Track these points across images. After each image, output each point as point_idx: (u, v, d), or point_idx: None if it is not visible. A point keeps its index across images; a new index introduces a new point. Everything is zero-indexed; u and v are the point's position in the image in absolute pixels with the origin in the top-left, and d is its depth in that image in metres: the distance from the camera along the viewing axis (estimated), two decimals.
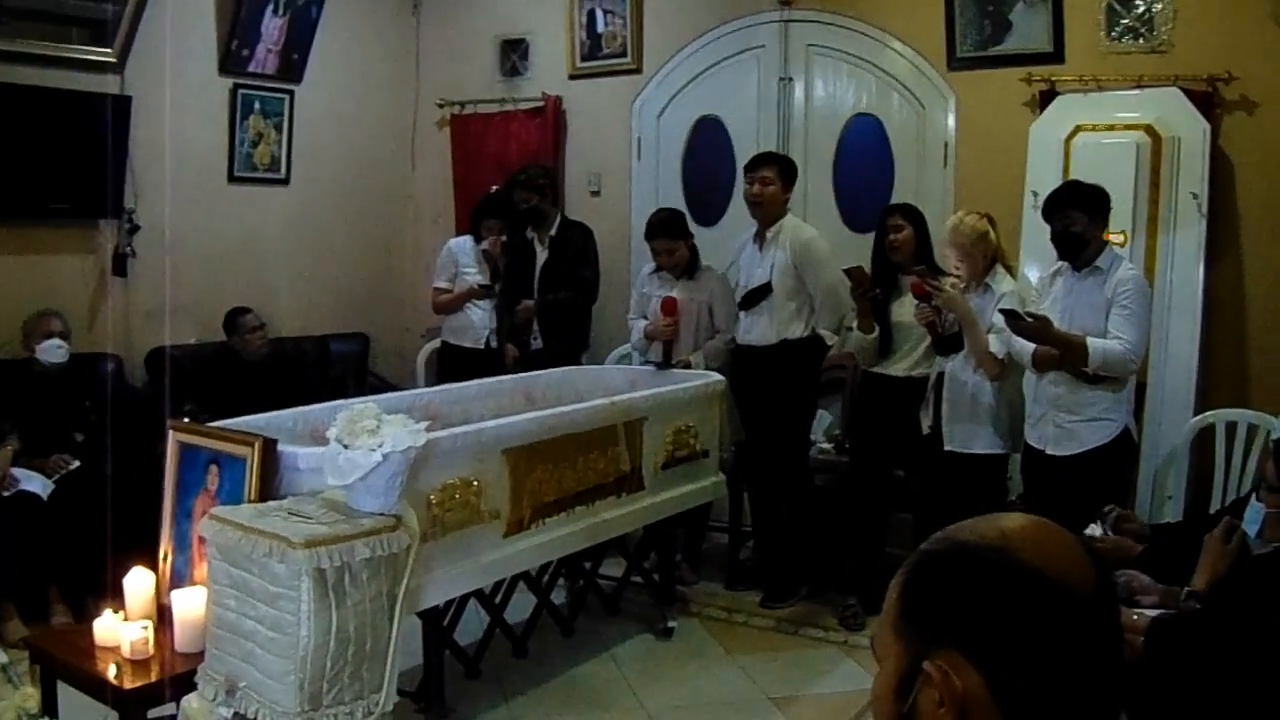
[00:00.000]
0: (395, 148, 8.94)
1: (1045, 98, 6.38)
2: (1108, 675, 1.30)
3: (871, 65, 7.13)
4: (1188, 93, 5.93)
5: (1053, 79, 6.39)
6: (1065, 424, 5.12)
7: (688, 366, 6.38)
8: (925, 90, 6.94)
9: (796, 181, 6.43)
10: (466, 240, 7.52)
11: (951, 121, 6.87)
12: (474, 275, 7.40)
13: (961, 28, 6.73)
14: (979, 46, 6.71)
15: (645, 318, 6.64)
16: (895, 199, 6.72)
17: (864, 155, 7.26)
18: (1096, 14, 6.35)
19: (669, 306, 6.46)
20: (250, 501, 4.02)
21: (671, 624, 5.92)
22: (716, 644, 5.81)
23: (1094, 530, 4.16)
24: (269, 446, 4.12)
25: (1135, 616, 3.07)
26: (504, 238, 7.32)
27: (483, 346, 7.38)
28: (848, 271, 5.86)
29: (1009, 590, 1.28)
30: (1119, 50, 6.28)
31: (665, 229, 6.56)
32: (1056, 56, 6.45)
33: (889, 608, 1.37)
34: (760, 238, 6.34)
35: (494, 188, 7.74)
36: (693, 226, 6.78)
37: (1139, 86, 6.08)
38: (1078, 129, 6.08)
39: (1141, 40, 6.23)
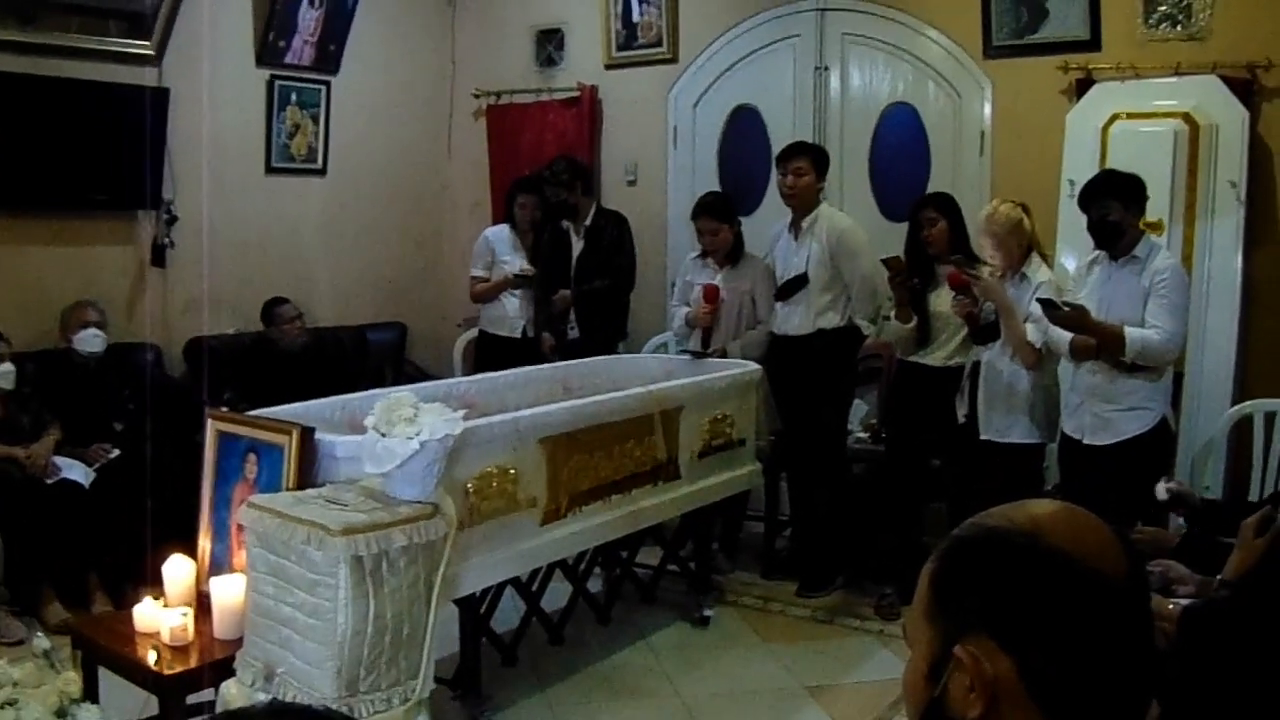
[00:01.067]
0: (431, 138, 8.94)
1: (1082, 86, 6.34)
2: (1139, 662, 1.30)
3: (907, 54, 7.10)
4: (1226, 80, 5.88)
5: (1089, 67, 6.34)
6: (1103, 413, 5.09)
7: (724, 356, 6.36)
8: (961, 79, 6.91)
9: (830, 170, 6.40)
10: (503, 229, 7.57)
11: (988, 110, 6.84)
12: (511, 264, 7.40)
13: (998, 15, 6.69)
14: (1015, 34, 6.67)
15: (688, 305, 6.63)
16: (931, 188, 6.73)
17: (900, 144, 7.23)
18: (1134, 1, 6.29)
19: (710, 293, 6.44)
20: (288, 489, 4.02)
21: (708, 612, 5.92)
22: (752, 633, 5.82)
23: (1165, 487, 4.11)
24: (307, 435, 4.13)
25: (1171, 606, 3.04)
26: (538, 210, 7.38)
27: (519, 336, 7.40)
28: (885, 262, 5.84)
29: (1040, 576, 1.28)
30: (1157, 38, 6.23)
31: (709, 209, 6.55)
32: (1093, 44, 6.40)
33: (921, 593, 1.38)
34: (796, 227, 6.33)
35: (528, 172, 7.73)
36: None
37: (1177, 74, 6.03)
38: (1115, 117, 6.04)
39: (1179, 27, 6.17)
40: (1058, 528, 1.31)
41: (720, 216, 6.52)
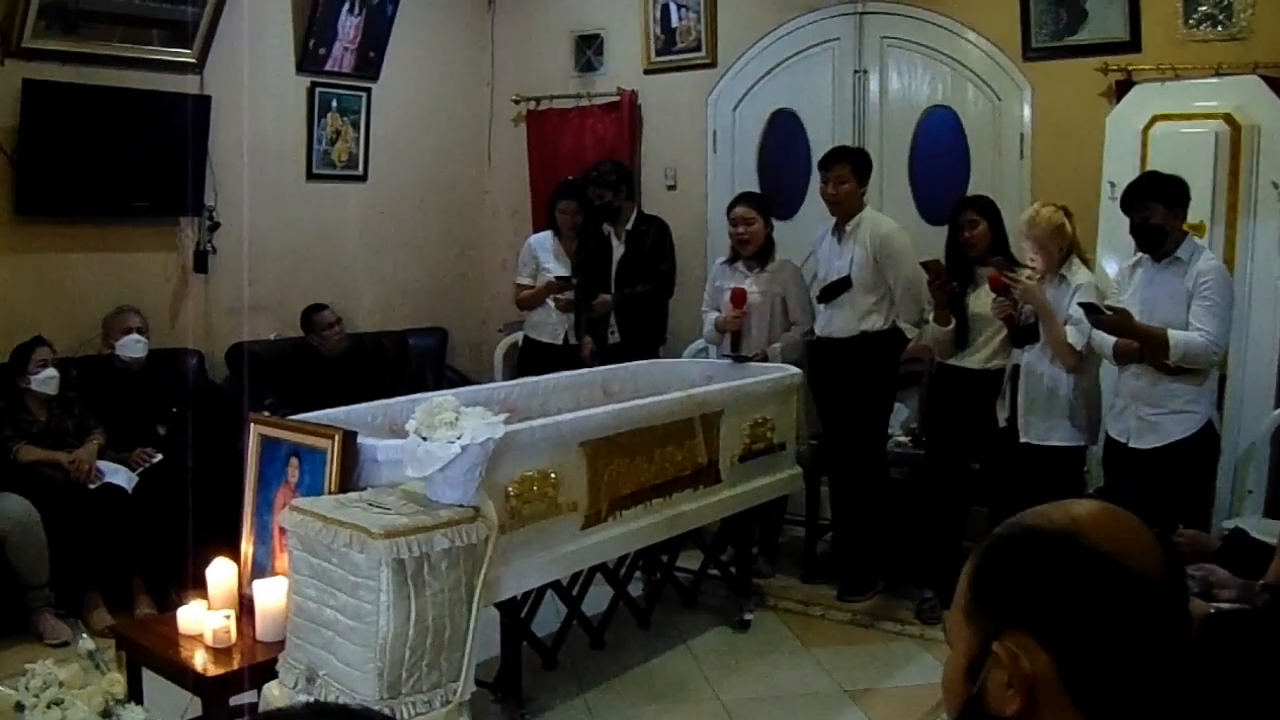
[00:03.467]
0: (471, 144, 8.94)
1: (1122, 87, 6.29)
2: (1175, 661, 1.31)
3: (946, 57, 7.06)
4: (1268, 80, 5.80)
5: (1129, 68, 6.29)
6: (1147, 416, 5.06)
7: (765, 360, 6.34)
8: (1001, 81, 6.87)
9: (872, 174, 6.32)
10: (546, 236, 7.51)
11: (1027, 112, 6.80)
12: (554, 271, 7.34)
13: (1037, 17, 6.64)
14: (1055, 36, 6.62)
15: (718, 310, 6.58)
16: (971, 191, 6.70)
17: (940, 147, 7.19)
18: (1174, 1, 6.22)
19: (738, 297, 6.41)
20: (330, 493, 4.03)
21: (748, 616, 5.91)
22: (793, 637, 5.80)
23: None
24: (349, 439, 4.14)
25: (1213, 609, 3.03)
26: (579, 214, 7.32)
27: (561, 342, 7.36)
28: (925, 264, 5.79)
29: (1078, 573, 1.29)
30: (1197, 38, 6.16)
31: (748, 197, 6.63)
32: (1133, 45, 6.34)
33: (960, 592, 1.39)
34: (839, 230, 6.28)
35: (569, 178, 7.71)
36: None
37: (1217, 74, 5.96)
38: (1155, 119, 5.96)
39: (1220, 27, 6.11)
40: (1097, 527, 1.32)
41: (758, 207, 6.53)
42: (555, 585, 5.11)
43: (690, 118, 8.05)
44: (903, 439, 6.66)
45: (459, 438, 3.72)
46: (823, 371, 6.32)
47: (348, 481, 4.11)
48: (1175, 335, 4.88)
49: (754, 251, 6.52)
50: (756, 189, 7.44)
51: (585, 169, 7.54)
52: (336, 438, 4.13)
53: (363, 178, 8.17)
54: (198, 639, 4.02)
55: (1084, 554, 1.29)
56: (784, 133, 7.77)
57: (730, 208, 6.59)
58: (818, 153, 6.70)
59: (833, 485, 6.52)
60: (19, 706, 3.30)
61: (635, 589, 5.98)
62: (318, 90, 7.72)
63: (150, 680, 4.11)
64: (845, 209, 6.21)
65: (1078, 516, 1.33)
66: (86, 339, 6.47)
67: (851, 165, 6.20)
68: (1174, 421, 5.00)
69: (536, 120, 8.64)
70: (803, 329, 6.50)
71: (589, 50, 8.43)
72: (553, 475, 4.42)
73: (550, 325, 7.39)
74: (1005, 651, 1.29)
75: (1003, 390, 5.69)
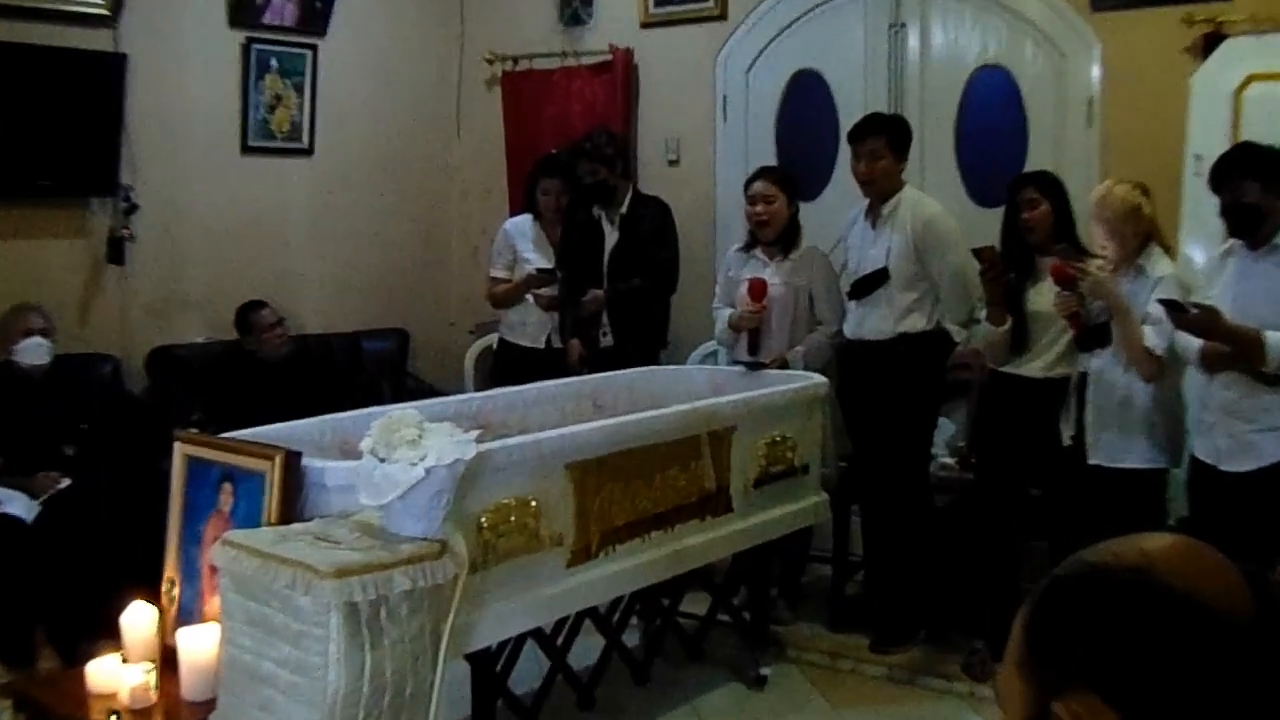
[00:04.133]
0: (437, 111, 8.96)
1: (1210, 42, 6.22)
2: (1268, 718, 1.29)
3: (1000, 8, 7.02)
4: None
5: (1219, 20, 6.22)
6: (1241, 434, 4.94)
7: (784, 366, 6.34)
8: (1065, 36, 6.82)
9: (911, 147, 6.32)
10: (525, 220, 7.50)
11: (1096, 73, 6.75)
12: (535, 262, 7.35)
13: None
14: None
15: (732, 306, 6.60)
16: (1029, 166, 6.61)
17: (992, 115, 7.16)
18: None
19: (757, 289, 6.41)
20: (270, 524, 3.99)
21: (765, 671, 5.86)
22: (818, 696, 5.74)
23: None
24: (292, 460, 4.11)
25: None
26: (565, 195, 7.36)
27: (543, 346, 7.39)
28: (976, 252, 5.77)
29: (1151, 618, 1.26)
30: None
31: (769, 172, 6.64)
32: None
33: (1014, 643, 1.38)
34: (873, 214, 6.28)
35: (553, 151, 7.74)
36: None
37: None
38: (1250, 79, 5.91)
39: None
40: (1172, 563, 1.29)
41: (780, 183, 6.53)
42: (536, 633, 5.01)
43: (696, 80, 8.01)
44: (948, 460, 6.66)
45: (422, 459, 3.69)
46: (854, 380, 6.33)
47: (291, 511, 4.07)
48: (1273, 338, 4.75)
49: (775, 235, 6.52)
50: (774, 165, 7.37)
51: (573, 140, 7.56)
52: (277, 459, 4.08)
53: (308, 151, 8.13)
54: (111, 698, 3.94)
55: (1156, 595, 1.27)
56: (807, 98, 7.73)
57: (748, 183, 6.60)
58: (847, 121, 6.73)
59: (865, 515, 6.49)
60: None
61: (631, 638, 5.94)
62: (254, 48, 7.67)
63: None
64: (880, 189, 6.20)
65: (1150, 551, 1.31)
66: None
67: (887, 137, 6.18)
68: (1272, 440, 4.88)
69: (514, 83, 8.62)
70: (831, 330, 6.48)
71: (576, 1, 8.40)
72: (533, 503, 4.39)
73: (530, 326, 7.40)
74: (1068, 713, 1.27)
75: (1067, 402, 5.67)
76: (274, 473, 4.08)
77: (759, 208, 6.48)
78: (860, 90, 7.40)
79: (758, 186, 6.52)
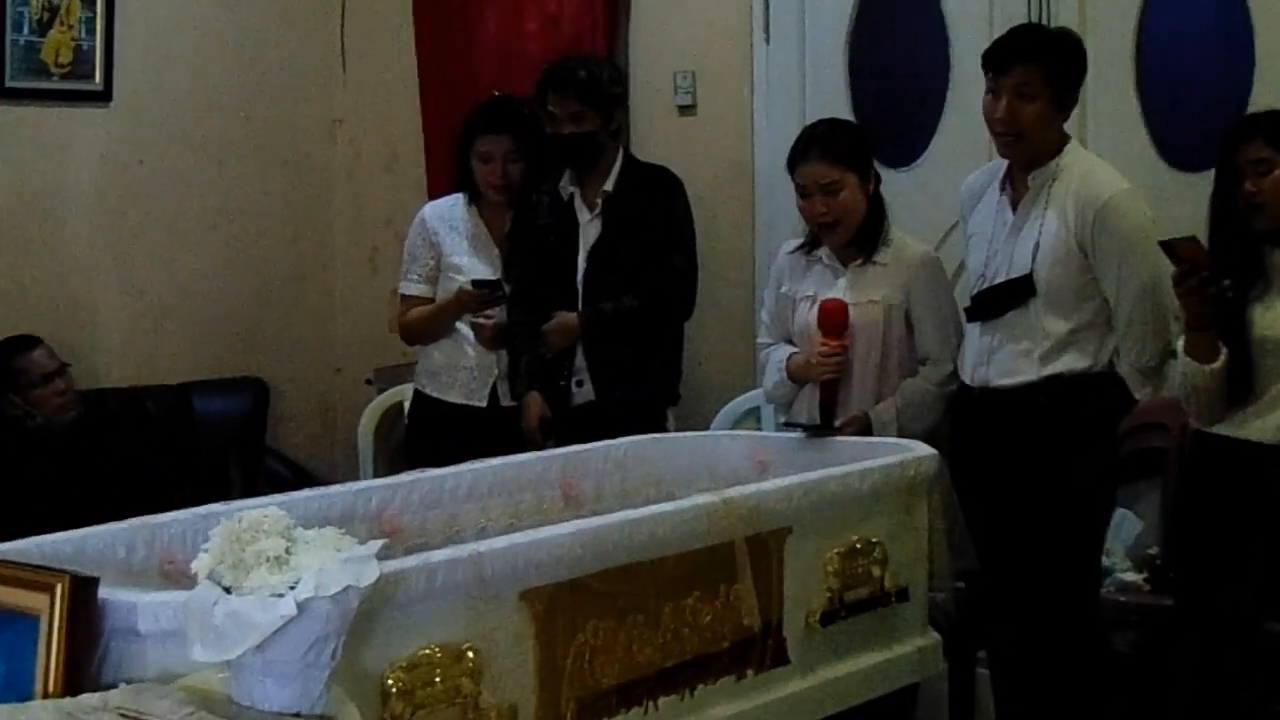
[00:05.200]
0: (310, 33, 8.62)
1: None
2: None
3: None
4: None
5: None
6: None
7: (866, 431, 5.97)
8: None
9: (1082, 85, 5.81)
10: (455, 204, 7.02)
11: None
12: (468, 267, 6.88)
13: None
14: None
15: (789, 341, 6.18)
16: (1255, 106, 6.20)
17: (1193, 26, 6.79)
18: None
19: (833, 317, 5.94)
20: (48, 695, 3.67)
21: None
22: None
23: None
24: (82, 591, 3.76)
25: None
26: (518, 162, 6.76)
27: (484, 402, 6.94)
28: (1168, 247, 5.29)
29: None
30: None
31: (821, 144, 6.10)
32: None
33: None
34: (1014, 186, 5.79)
35: (496, 94, 7.24)
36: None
37: None
38: None
39: None
40: None
41: (840, 157, 6.08)
42: None
43: None
44: (1131, 577, 6.39)
45: (292, 587, 3.42)
46: (978, 450, 5.87)
47: (81, 672, 3.71)
48: None
49: (850, 236, 6.09)
50: (844, 113, 7.04)
51: (557, 63, 7.04)
52: (59, 589, 3.74)
53: (104, 96, 7.77)
54: None
55: None
56: (898, 8, 7.41)
57: (792, 161, 6.10)
58: (961, 45, 6.65)
59: (997, 666, 6.13)
60: None
61: None
62: None
63: None
64: (1029, 147, 5.69)
65: None
66: None
67: (1046, 66, 5.71)
68: None
69: None
70: (942, 372, 6.08)
71: None
72: (470, 655, 4.02)
73: (464, 371, 6.97)
74: None
75: None
76: (55, 611, 3.78)
77: (816, 203, 6.11)
78: None
79: (810, 170, 6.12)
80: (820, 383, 6.14)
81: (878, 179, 6.25)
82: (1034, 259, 5.82)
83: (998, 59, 5.85)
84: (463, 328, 7.00)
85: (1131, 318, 5.79)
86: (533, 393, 6.91)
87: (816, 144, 6.20)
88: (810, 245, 6.31)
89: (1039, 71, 5.77)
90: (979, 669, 6.37)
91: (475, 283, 6.87)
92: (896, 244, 6.25)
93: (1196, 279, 5.40)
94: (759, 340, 6.54)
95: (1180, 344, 5.61)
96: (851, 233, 6.17)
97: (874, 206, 6.21)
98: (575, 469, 5.99)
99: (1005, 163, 5.97)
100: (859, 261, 6.20)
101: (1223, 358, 5.49)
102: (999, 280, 5.91)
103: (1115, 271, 5.76)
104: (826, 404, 6.13)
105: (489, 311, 6.92)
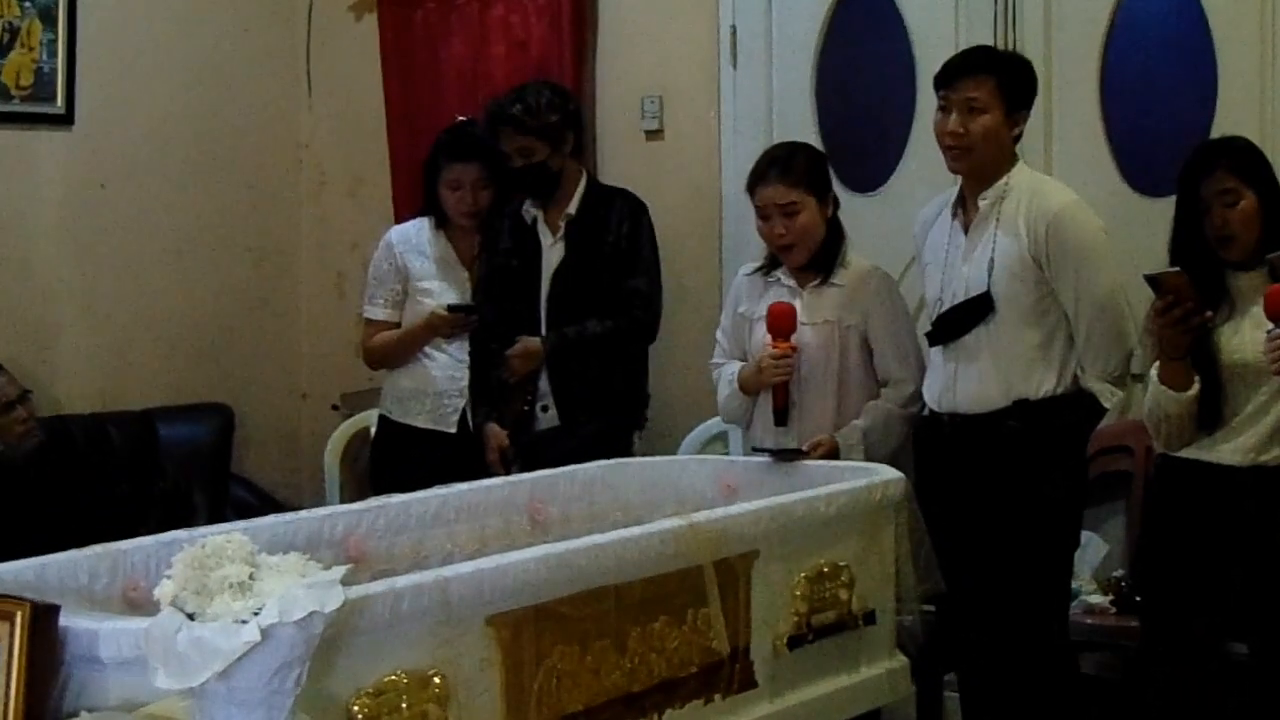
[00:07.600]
0: (274, 56, 8.76)
1: None
2: None
3: None
4: None
5: None
6: None
7: (834, 455, 6.04)
8: None
9: (1034, 100, 5.95)
10: (421, 228, 7.13)
11: None
12: (437, 292, 7.02)
13: None
14: None
15: (744, 359, 6.31)
16: (1218, 131, 6.24)
17: (1157, 52, 6.85)
18: None
19: (779, 318, 6.11)
20: None
21: None
22: None
23: None
24: (43, 619, 3.84)
25: None
26: (487, 189, 6.92)
27: (452, 428, 7.05)
28: (1154, 281, 5.40)
29: None
30: None
31: (780, 167, 6.21)
32: None
33: None
34: (967, 206, 5.90)
35: (461, 119, 7.29)
36: (838, 188, 6.23)
37: None
38: None
39: None
40: None
41: (798, 180, 6.20)
42: None
43: (688, 7, 7.75)
44: (1097, 599, 6.45)
45: (256, 614, 3.47)
46: (943, 475, 5.97)
47: (42, 700, 3.82)
48: None
49: (809, 257, 6.24)
50: (814, 136, 7.22)
51: (495, 101, 7.07)
52: (20, 616, 3.81)
53: (65, 119, 7.86)
54: None
55: None
56: (864, 31, 7.44)
57: (752, 184, 6.26)
58: (926, 70, 6.43)
59: (966, 689, 6.22)
60: None
61: None
62: None
63: None
64: (979, 162, 5.81)
65: None
66: None
67: (996, 81, 5.82)
68: None
69: (397, 13, 8.40)
70: (905, 393, 6.21)
71: None
72: (437, 681, 4.11)
73: (431, 397, 7.09)
74: None
75: None
76: (13, 639, 3.84)
77: (775, 224, 6.26)
78: (950, 18, 7.09)
79: (768, 192, 6.27)
80: (773, 387, 6.28)
81: (836, 202, 6.41)
82: (990, 276, 5.97)
83: (950, 75, 6.03)
84: (431, 352, 7.13)
85: (1092, 328, 5.92)
86: (490, 425, 7.07)
87: (775, 166, 6.33)
88: (768, 267, 6.46)
89: (990, 82, 5.96)
90: (947, 692, 6.50)
91: (450, 307, 7.01)
92: (854, 265, 6.43)
93: (1181, 310, 5.50)
94: (713, 360, 6.69)
95: (1153, 371, 5.72)
96: (809, 254, 6.33)
97: (832, 229, 6.39)
98: (542, 494, 6.08)
99: (955, 191, 6.08)
100: (816, 282, 6.36)
101: (1196, 386, 5.62)
102: (959, 300, 6.06)
103: (1072, 282, 5.92)
104: (780, 410, 6.30)
105: (456, 334, 7.18)
